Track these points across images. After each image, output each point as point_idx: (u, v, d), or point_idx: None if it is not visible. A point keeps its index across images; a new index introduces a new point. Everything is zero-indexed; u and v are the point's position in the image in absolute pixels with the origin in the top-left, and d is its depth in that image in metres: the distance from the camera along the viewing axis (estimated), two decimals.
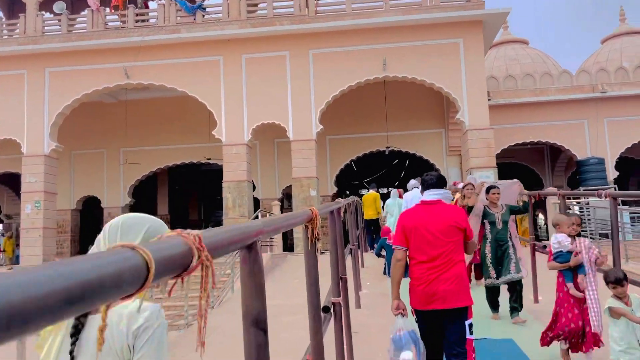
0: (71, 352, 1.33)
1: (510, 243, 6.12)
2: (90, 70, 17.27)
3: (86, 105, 20.69)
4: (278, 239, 13.29)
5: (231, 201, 16.43)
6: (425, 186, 3.78)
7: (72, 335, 1.33)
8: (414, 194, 8.58)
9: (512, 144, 20.07)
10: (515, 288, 6.04)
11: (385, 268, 9.61)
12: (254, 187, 20.67)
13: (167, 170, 24.27)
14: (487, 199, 6.20)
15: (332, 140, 20.64)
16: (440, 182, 3.79)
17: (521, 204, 6.82)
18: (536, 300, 6.89)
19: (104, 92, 17.72)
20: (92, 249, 1.45)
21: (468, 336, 3.46)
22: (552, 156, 23.47)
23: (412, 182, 9.02)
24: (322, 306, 3.41)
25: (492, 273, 6.05)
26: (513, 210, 6.37)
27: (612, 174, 19.35)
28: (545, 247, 6.64)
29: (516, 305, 6.04)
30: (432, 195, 3.70)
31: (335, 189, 20.86)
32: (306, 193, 16.30)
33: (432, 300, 3.42)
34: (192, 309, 7.76)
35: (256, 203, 20.97)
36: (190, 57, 17.00)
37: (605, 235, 15.11)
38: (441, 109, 20.55)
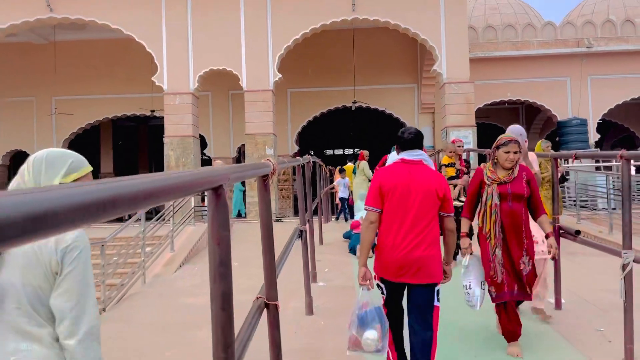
0: None
1: None
2: (4, 1, 14.12)
3: (11, 46, 17.55)
4: None
5: (174, 159, 13.90)
6: (404, 145, 3.14)
7: None
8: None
9: (489, 102, 17.99)
10: None
11: (350, 246, 7.46)
12: (205, 144, 18.15)
13: (111, 124, 21.45)
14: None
15: (294, 94, 18.14)
16: (419, 140, 3.18)
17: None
18: (558, 306, 4.79)
19: (24, 27, 14.58)
20: (16, 181, 1.56)
21: (435, 303, 3.06)
22: (527, 117, 21.61)
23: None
24: None
25: None
26: None
27: (593, 136, 17.58)
28: (579, 232, 4.46)
29: None
30: (413, 155, 3.12)
31: (296, 148, 18.52)
32: (261, 152, 13.89)
33: (403, 271, 2.99)
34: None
35: (208, 162, 18.49)
36: None
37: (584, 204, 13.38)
38: (414, 62, 18.22)
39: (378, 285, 3.12)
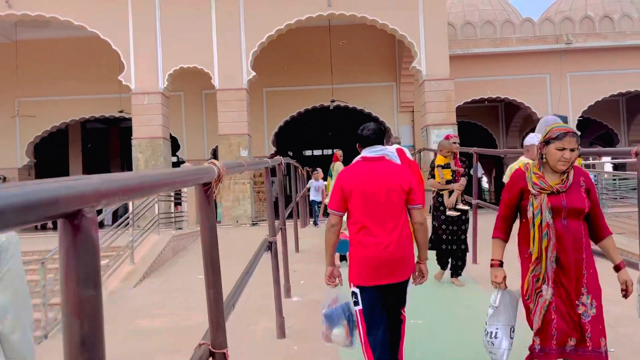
0: None
1: None
2: None
3: None
4: (191, 211, 10.10)
5: (143, 162, 13.15)
6: (364, 142, 3.00)
7: None
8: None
9: (469, 100, 17.62)
10: None
11: None
12: (178, 146, 17.41)
13: (80, 126, 20.54)
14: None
15: (270, 93, 17.51)
16: (379, 136, 3.01)
17: None
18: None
19: None
20: None
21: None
22: (506, 115, 21.35)
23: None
24: None
25: None
26: None
27: None
28: None
29: None
30: (374, 152, 2.98)
31: (273, 149, 17.87)
32: (235, 153, 13.24)
33: (377, 273, 2.84)
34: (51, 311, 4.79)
35: (179, 165, 17.75)
36: None
37: None
38: (392, 59, 17.75)
39: (353, 293, 2.96)
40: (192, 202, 10.00)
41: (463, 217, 5.46)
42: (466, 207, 5.48)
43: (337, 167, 9.04)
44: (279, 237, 4.63)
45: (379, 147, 2.99)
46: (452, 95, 13.52)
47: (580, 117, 17.62)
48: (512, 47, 17.26)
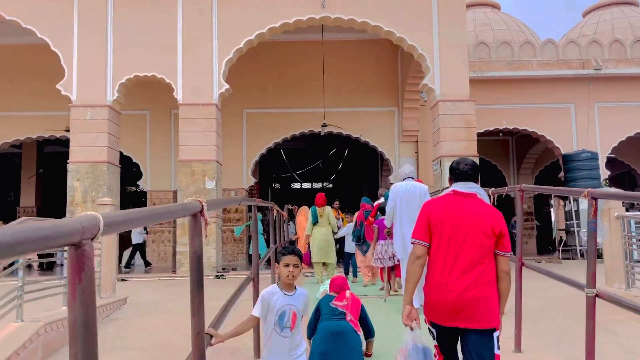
0: None
1: None
2: None
3: None
4: (105, 272, 6.56)
5: (81, 193, 10.04)
6: (458, 177, 2.71)
7: None
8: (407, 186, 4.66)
9: (482, 131, 14.81)
10: None
11: None
12: (140, 174, 14.36)
13: (35, 148, 17.52)
14: None
15: (251, 115, 14.61)
16: (476, 173, 2.78)
17: None
18: None
19: None
20: None
21: (496, 351, 2.58)
22: (517, 149, 18.57)
23: (406, 168, 4.94)
24: None
25: None
26: None
27: (603, 172, 14.50)
28: None
29: None
30: (467, 187, 2.68)
31: (253, 181, 14.85)
32: (199, 184, 10.20)
33: (455, 315, 2.53)
34: None
35: (142, 196, 14.72)
36: None
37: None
38: (394, 80, 14.98)
39: (429, 330, 2.70)
40: (107, 256, 6.60)
41: None
42: None
43: (329, 212, 6.11)
44: None
45: (472, 184, 2.68)
46: (472, 120, 10.68)
47: (610, 154, 14.84)
48: (533, 71, 14.59)
